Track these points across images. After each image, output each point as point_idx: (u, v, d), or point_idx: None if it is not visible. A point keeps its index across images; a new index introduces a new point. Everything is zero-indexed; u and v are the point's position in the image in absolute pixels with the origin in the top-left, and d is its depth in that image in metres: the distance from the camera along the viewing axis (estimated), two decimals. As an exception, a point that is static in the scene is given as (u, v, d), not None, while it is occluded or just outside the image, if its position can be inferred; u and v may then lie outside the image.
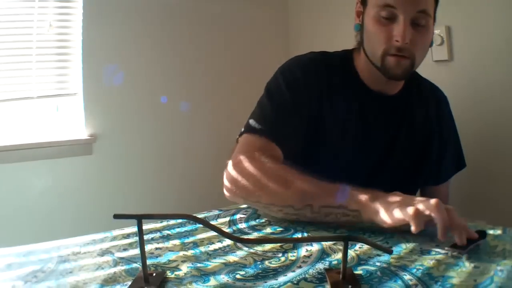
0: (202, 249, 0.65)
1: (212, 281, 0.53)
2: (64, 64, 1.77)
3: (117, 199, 1.82)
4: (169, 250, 0.65)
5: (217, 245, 0.67)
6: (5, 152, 1.62)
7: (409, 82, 0.99)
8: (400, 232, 0.67)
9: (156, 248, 0.66)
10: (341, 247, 0.58)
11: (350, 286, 0.50)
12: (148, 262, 0.57)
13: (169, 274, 0.56)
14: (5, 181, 1.62)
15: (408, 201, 0.65)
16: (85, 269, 0.58)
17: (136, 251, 0.64)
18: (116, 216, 0.50)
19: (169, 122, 1.97)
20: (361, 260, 0.59)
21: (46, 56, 1.72)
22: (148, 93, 1.91)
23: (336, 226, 0.74)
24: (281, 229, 0.75)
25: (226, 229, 0.75)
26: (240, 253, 0.63)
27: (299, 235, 0.71)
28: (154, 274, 0.54)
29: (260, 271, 0.56)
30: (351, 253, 0.61)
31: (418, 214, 0.61)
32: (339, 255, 0.61)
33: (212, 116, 2.05)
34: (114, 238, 0.71)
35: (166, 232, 0.73)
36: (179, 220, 0.79)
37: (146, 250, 0.52)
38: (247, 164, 0.81)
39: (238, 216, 0.83)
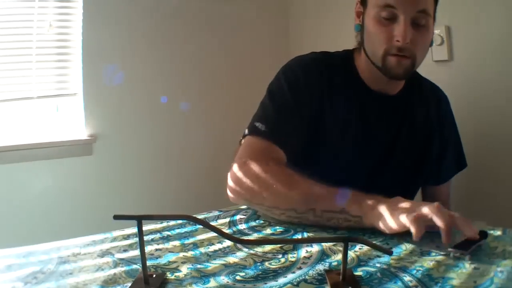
0: (202, 250, 0.65)
1: (212, 282, 0.53)
2: (64, 64, 1.77)
3: (117, 200, 1.82)
4: (169, 251, 0.65)
5: (217, 246, 0.67)
6: (5, 152, 1.62)
7: (409, 82, 0.99)
8: (400, 234, 0.67)
9: (156, 249, 0.66)
10: (341, 248, 0.58)
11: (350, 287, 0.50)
12: (148, 263, 0.57)
13: (169, 275, 0.56)
14: (5, 181, 1.62)
15: (409, 206, 0.65)
16: (85, 270, 0.57)
17: (136, 252, 0.64)
18: (116, 217, 0.50)
19: (170, 122, 1.96)
20: (361, 261, 0.59)
21: (46, 56, 1.72)
22: (149, 93, 1.91)
23: (336, 227, 0.74)
24: (281, 230, 0.75)
25: (226, 230, 0.75)
26: (240, 254, 0.63)
27: (299, 236, 0.71)
28: (154, 276, 0.54)
29: (260, 272, 0.56)
30: (351, 254, 0.61)
31: (418, 219, 0.61)
32: (339, 256, 0.61)
33: (213, 116, 2.05)
34: (114, 239, 0.71)
35: (166, 233, 0.73)
36: (179, 221, 0.79)
37: (146, 251, 0.52)
38: (252, 166, 0.82)
39: (238, 217, 0.83)
